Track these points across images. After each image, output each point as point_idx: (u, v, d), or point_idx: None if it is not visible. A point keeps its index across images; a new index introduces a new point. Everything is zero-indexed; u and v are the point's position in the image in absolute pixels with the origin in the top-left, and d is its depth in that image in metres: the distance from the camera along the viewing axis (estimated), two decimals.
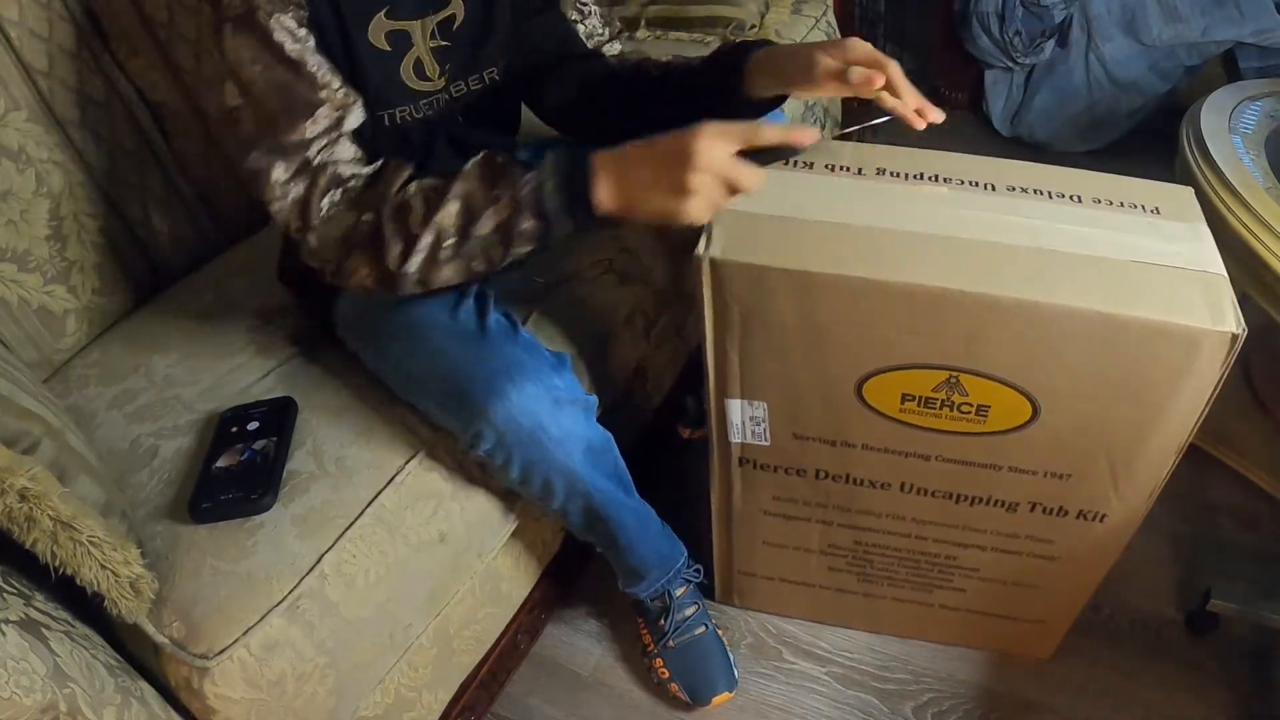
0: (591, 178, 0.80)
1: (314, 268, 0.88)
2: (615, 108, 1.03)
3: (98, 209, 1.10)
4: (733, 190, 0.78)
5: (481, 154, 0.84)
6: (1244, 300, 0.78)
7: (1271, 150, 1.17)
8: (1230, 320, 0.74)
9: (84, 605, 0.76)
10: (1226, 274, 0.78)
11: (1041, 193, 0.86)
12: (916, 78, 0.95)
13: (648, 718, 1.20)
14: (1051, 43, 1.96)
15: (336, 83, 0.85)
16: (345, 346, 1.03)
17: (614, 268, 1.17)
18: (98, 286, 1.12)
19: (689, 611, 1.18)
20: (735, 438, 0.99)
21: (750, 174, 0.77)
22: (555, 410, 0.90)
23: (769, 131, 0.79)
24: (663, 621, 1.17)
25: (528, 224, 0.81)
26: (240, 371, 1.04)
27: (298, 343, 1.08)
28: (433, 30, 0.93)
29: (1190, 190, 0.89)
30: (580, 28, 1.08)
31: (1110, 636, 1.23)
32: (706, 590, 1.24)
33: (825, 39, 1.69)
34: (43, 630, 0.71)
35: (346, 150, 0.86)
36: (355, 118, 0.86)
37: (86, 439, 0.88)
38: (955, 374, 0.84)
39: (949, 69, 2.17)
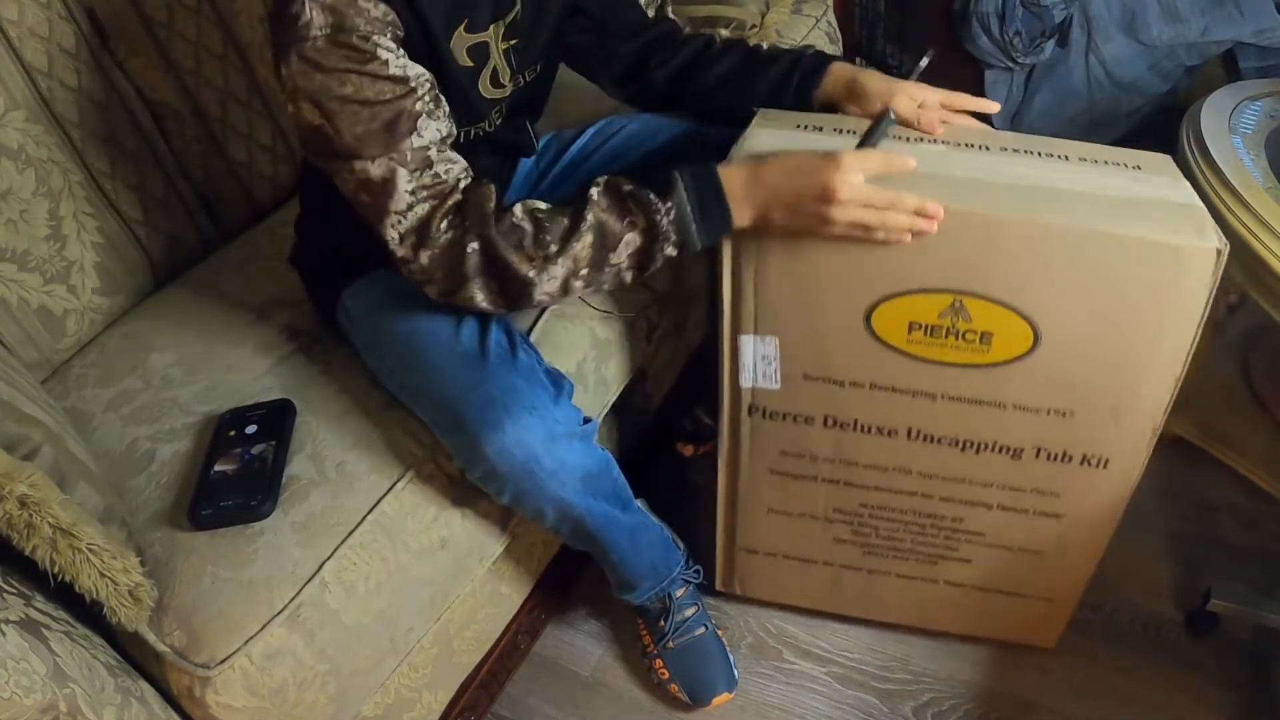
0: (726, 198, 0.82)
1: (419, 281, 0.84)
2: (701, 81, 1.07)
3: (97, 209, 1.10)
4: (872, 212, 0.81)
5: (604, 179, 0.84)
6: (1244, 300, 0.79)
7: (1271, 150, 1.17)
8: (1214, 238, 0.80)
9: (85, 607, 0.76)
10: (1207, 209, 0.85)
11: (1032, 153, 0.93)
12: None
13: (648, 718, 1.20)
14: (1051, 43, 1.95)
15: (434, 93, 0.82)
16: (348, 339, 1.02)
17: None
18: (97, 286, 1.11)
19: (689, 612, 1.18)
20: (746, 382, 1.00)
21: (885, 198, 0.80)
22: (550, 444, 0.89)
23: (907, 162, 0.84)
24: (662, 622, 1.17)
25: (668, 250, 0.83)
26: (237, 371, 1.03)
27: (296, 338, 1.08)
28: (503, 33, 0.91)
29: (1169, 157, 0.94)
30: None
31: (1110, 636, 1.23)
32: (706, 587, 1.24)
33: (826, 39, 1.69)
34: (43, 630, 0.71)
35: (457, 161, 0.83)
36: (451, 129, 0.83)
37: (85, 444, 0.88)
38: (960, 298, 0.88)
39: (949, 69, 2.16)
